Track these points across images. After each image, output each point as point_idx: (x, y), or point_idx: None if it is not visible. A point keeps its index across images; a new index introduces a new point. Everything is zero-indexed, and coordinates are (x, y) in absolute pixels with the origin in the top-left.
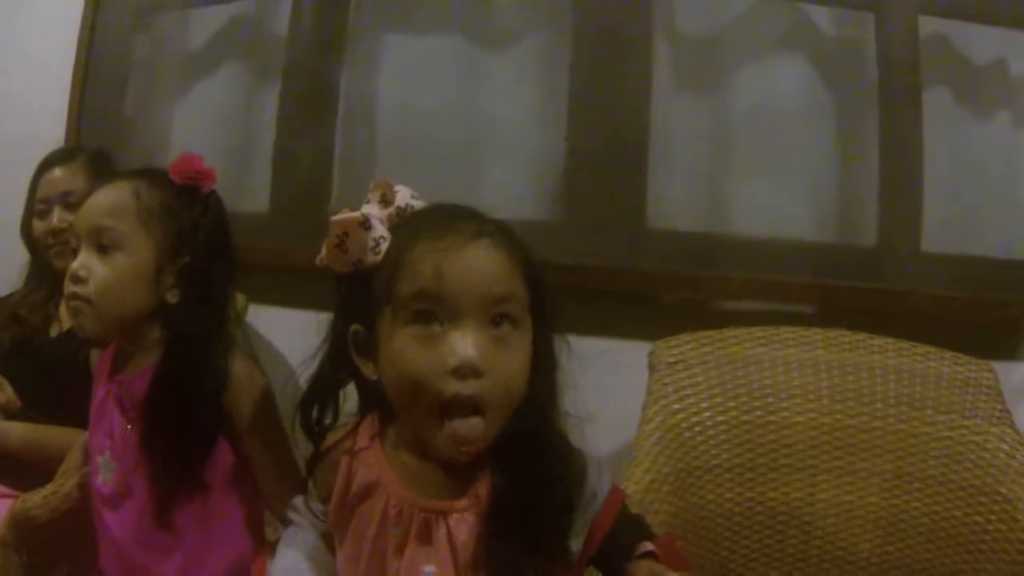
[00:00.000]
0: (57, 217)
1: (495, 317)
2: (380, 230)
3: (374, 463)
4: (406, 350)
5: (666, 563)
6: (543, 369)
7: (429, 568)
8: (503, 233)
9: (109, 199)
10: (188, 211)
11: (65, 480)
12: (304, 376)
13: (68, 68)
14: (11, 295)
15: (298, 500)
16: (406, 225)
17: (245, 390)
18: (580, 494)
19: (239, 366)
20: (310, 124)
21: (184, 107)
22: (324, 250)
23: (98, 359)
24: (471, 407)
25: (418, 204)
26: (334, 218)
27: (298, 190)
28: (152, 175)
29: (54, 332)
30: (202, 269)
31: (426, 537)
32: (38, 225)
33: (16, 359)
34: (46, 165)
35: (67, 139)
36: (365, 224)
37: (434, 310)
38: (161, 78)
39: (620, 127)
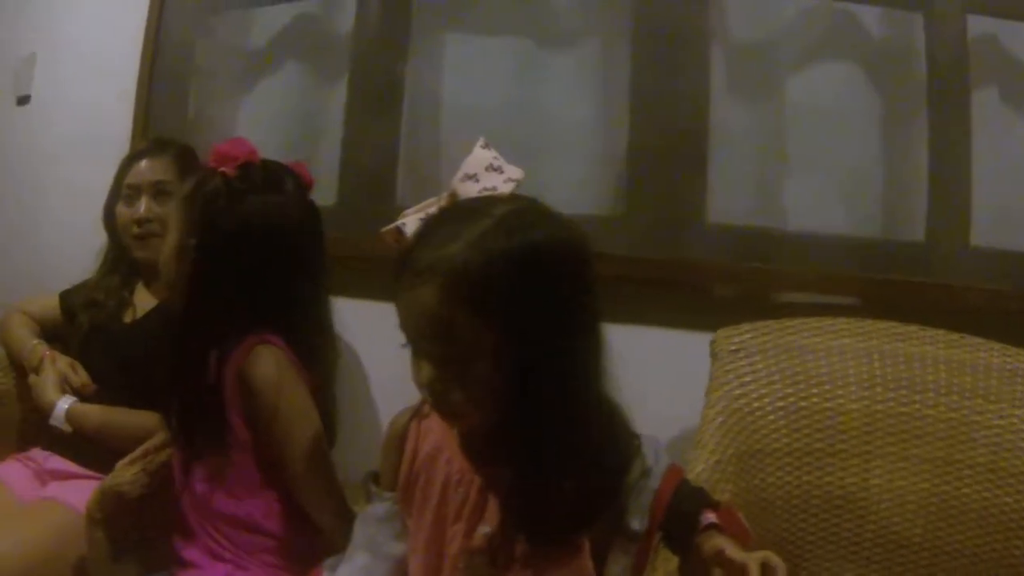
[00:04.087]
0: (144, 206)
1: (441, 357)
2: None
3: (437, 429)
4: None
5: (729, 533)
6: (551, 368)
7: (485, 528)
8: (448, 271)
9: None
10: (219, 198)
11: (154, 457)
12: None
13: (133, 70)
14: (87, 281)
15: (368, 485)
16: (414, 234)
17: (263, 389)
18: (626, 469)
19: (262, 366)
20: (376, 121)
21: (248, 106)
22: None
23: None
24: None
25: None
26: (382, 230)
27: (365, 183)
28: (203, 167)
29: (128, 318)
30: (229, 265)
31: (482, 500)
32: (123, 212)
33: (92, 343)
34: (137, 155)
35: (133, 136)
36: (400, 232)
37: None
38: (224, 77)
39: (680, 126)
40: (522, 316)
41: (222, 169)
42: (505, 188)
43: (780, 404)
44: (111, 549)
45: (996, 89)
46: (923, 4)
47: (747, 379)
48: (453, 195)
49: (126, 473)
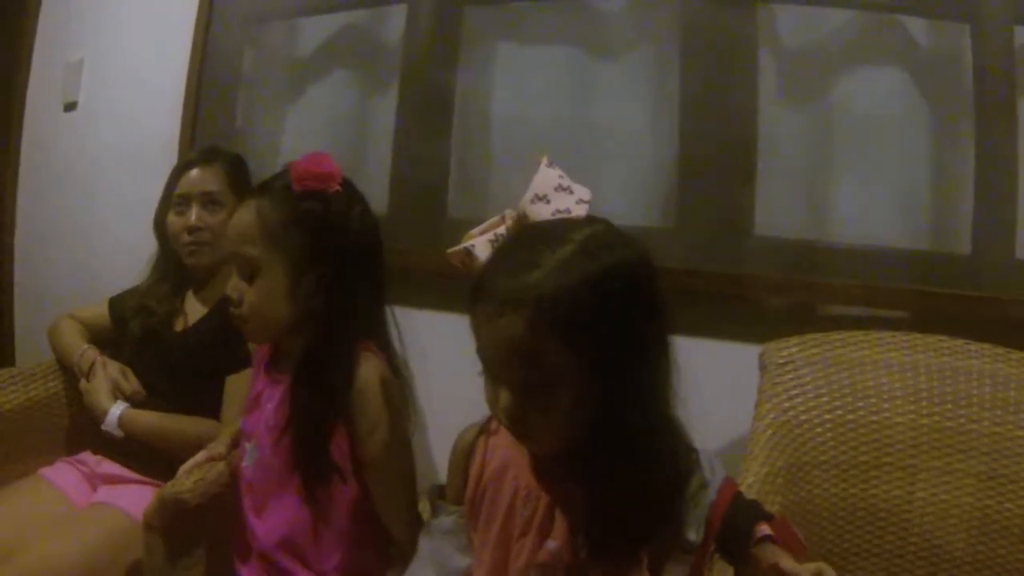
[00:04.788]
0: (195, 215)
1: (524, 385)
2: (485, 255)
3: (504, 446)
4: (484, 381)
5: (784, 545)
6: (626, 398)
7: (552, 543)
8: (536, 300)
9: (239, 226)
10: (314, 219)
11: (214, 465)
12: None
13: (180, 78)
14: (136, 287)
15: (435, 498)
16: (489, 258)
17: (366, 396)
18: (686, 484)
19: (367, 369)
20: (426, 131)
21: (295, 115)
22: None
23: (256, 352)
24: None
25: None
26: (448, 251)
27: (416, 194)
28: (275, 189)
29: (179, 327)
30: (337, 275)
31: (549, 517)
32: (174, 220)
33: (144, 350)
34: (187, 165)
35: (180, 146)
36: (469, 254)
37: (486, 371)
38: (272, 87)
39: (729, 136)
40: (605, 342)
41: (333, 189)
42: (579, 210)
43: (827, 417)
44: (168, 556)
45: None
46: (970, 15)
47: (795, 392)
48: (523, 216)
49: (186, 481)
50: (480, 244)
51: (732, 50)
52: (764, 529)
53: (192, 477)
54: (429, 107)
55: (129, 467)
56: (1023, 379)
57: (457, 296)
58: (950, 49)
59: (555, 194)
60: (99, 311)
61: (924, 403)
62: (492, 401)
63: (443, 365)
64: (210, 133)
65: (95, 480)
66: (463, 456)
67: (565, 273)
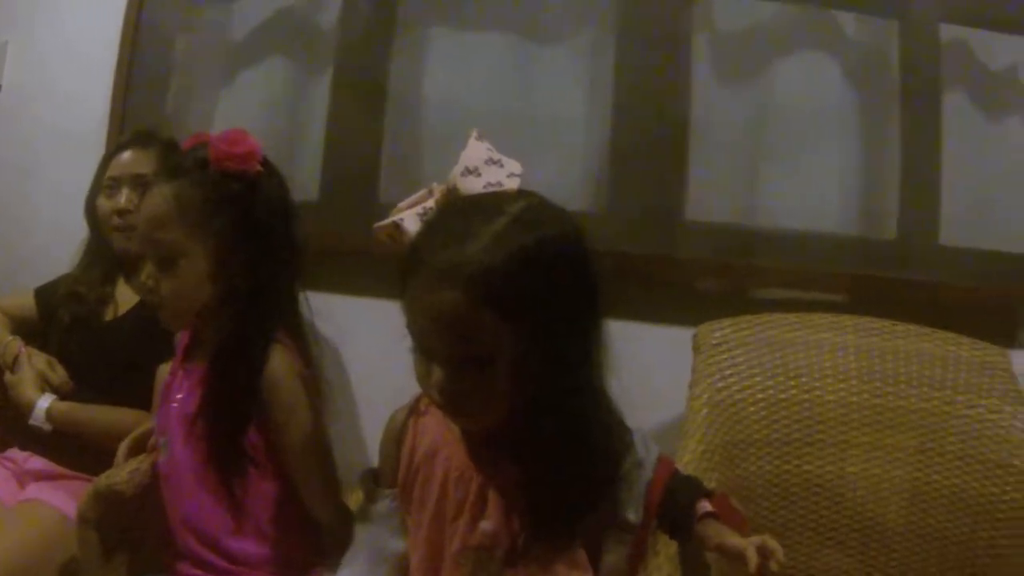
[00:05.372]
0: (125, 198)
1: (460, 359)
2: (414, 229)
3: (435, 426)
4: (415, 358)
5: (726, 521)
6: (559, 372)
7: (486, 525)
8: (473, 273)
9: (154, 211)
10: (235, 200)
11: (146, 456)
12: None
13: (112, 60)
14: (64, 276)
15: (368, 483)
16: (422, 230)
17: (279, 384)
18: (621, 461)
19: (276, 361)
20: (359, 115)
21: (228, 99)
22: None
23: (178, 341)
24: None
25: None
26: (375, 225)
27: (348, 178)
28: (193, 169)
29: (109, 315)
30: (259, 257)
31: (482, 497)
32: (104, 203)
33: (73, 340)
34: (120, 147)
35: (109, 130)
36: (398, 228)
37: (418, 346)
38: (205, 70)
39: (662, 121)
40: (541, 314)
41: (255, 169)
42: (510, 183)
43: (760, 396)
44: (103, 550)
45: (966, 94)
46: (899, 12)
47: (729, 372)
48: (452, 189)
49: (121, 472)
50: (409, 217)
51: (667, 36)
52: (705, 506)
53: (127, 468)
54: (363, 92)
55: (58, 462)
56: (947, 358)
57: (390, 280)
58: (879, 43)
59: (486, 167)
60: (24, 301)
61: (854, 381)
62: (424, 378)
63: (376, 349)
64: (142, 116)
65: (24, 477)
66: (393, 439)
67: (502, 245)
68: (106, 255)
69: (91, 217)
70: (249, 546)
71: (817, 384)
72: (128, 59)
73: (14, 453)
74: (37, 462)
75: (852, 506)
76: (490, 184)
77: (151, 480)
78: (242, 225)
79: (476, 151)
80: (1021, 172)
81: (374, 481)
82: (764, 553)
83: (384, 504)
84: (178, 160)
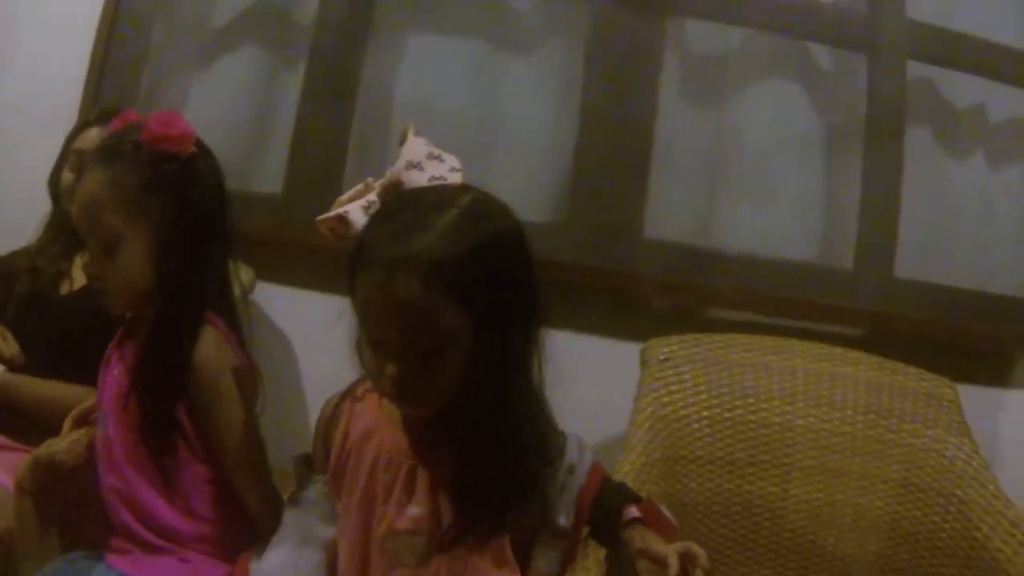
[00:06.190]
0: None
1: (416, 350)
2: (361, 222)
3: (370, 411)
4: (364, 349)
5: (653, 526)
6: (505, 363)
7: (414, 509)
8: (430, 262)
9: (92, 196)
10: (172, 183)
11: (88, 429)
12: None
13: (89, 40)
14: (26, 247)
15: (300, 468)
16: (369, 223)
17: (207, 367)
18: (556, 465)
19: (207, 342)
20: (329, 110)
21: (200, 86)
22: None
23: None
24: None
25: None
26: (319, 218)
27: (312, 173)
28: (128, 152)
29: (64, 290)
30: (194, 239)
31: (411, 482)
32: (67, 176)
33: (28, 312)
34: (86, 124)
35: (82, 109)
36: (343, 221)
37: (371, 340)
38: (180, 55)
39: (626, 138)
40: (492, 303)
41: (189, 151)
42: (453, 177)
43: (705, 414)
44: (40, 522)
45: (930, 130)
46: (868, 46)
47: (674, 388)
48: (396, 183)
49: (62, 441)
50: (354, 210)
51: (637, 54)
52: (632, 511)
53: (68, 438)
54: (334, 88)
55: (4, 434)
56: (894, 386)
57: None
58: (847, 75)
59: (427, 161)
60: None
61: (800, 405)
62: (374, 370)
63: (334, 342)
64: (113, 97)
65: None
66: (327, 422)
67: (456, 236)
68: (66, 229)
69: (54, 190)
70: (180, 523)
71: (764, 405)
72: (105, 39)
73: None
74: None
75: (793, 529)
76: (434, 177)
77: (90, 454)
78: (179, 207)
79: (416, 146)
80: (979, 210)
81: (306, 466)
82: (688, 560)
83: (314, 489)
84: (112, 143)
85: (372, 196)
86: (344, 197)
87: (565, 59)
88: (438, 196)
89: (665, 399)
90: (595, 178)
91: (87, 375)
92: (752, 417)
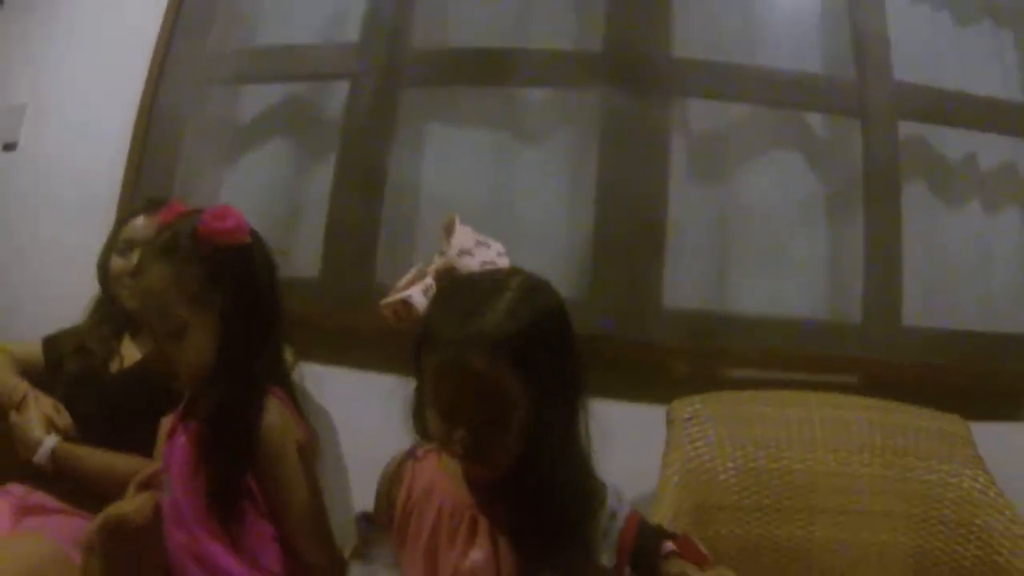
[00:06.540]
0: (137, 259)
1: (483, 418)
2: (422, 305)
3: (430, 470)
4: (430, 416)
5: (688, 557)
6: (556, 424)
7: (477, 553)
8: (496, 341)
9: (155, 289)
10: (231, 272)
11: (153, 493)
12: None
13: (123, 135)
14: (76, 327)
15: (362, 524)
16: (432, 306)
17: (273, 435)
18: (599, 512)
19: (272, 413)
20: (359, 200)
21: (232, 178)
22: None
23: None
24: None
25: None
26: (383, 302)
27: (347, 258)
28: (186, 246)
29: (114, 368)
30: (249, 328)
31: (473, 530)
32: (117, 262)
33: (79, 389)
34: (134, 213)
35: (120, 201)
36: (406, 304)
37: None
38: (212, 149)
39: (640, 216)
40: (547, 374)
41: (244, 240)
42: (501, 261)
43: (730, 465)
44: None
45: (925, 184)
46: (860, 112)
47: (700, 443)
48: (450, 268)
49: (131, 503)
50: (415, 294)
51: (646, 137)
52: (669, 545)
53: (136, 500)
54: (364, 178)
55: (59, 499)
56: (908, 427)
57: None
58: (843, 140)
59: (477, 248)
60: (32, 349)
61: (820, 452)
62: (443, 435)
63: (366, 416)
64: (149, 190)
65: (22, 511)
66: (390, 480)
67: (514, 315)
68: (114, 312)
69: (103, 275)
70: (247, 573)
71: (785, 454)
72: (143, 133)
73: (15, 487)
74: (39, 497)
75: (820, 569)
76: (485, 262)
77: (155, 517)
78: (238, 293)
79: (464, 235)
80: (978, 256)
81: (367, 522)
82: None
83: (378, 541)
84: (169, 238)
85: (429, 280)
86: (402, 283)
87: (578, 145)
88: (492, 279)
89: (692, 454)
90: (613, 255)
91: (136, 448)
92: (775, 465)
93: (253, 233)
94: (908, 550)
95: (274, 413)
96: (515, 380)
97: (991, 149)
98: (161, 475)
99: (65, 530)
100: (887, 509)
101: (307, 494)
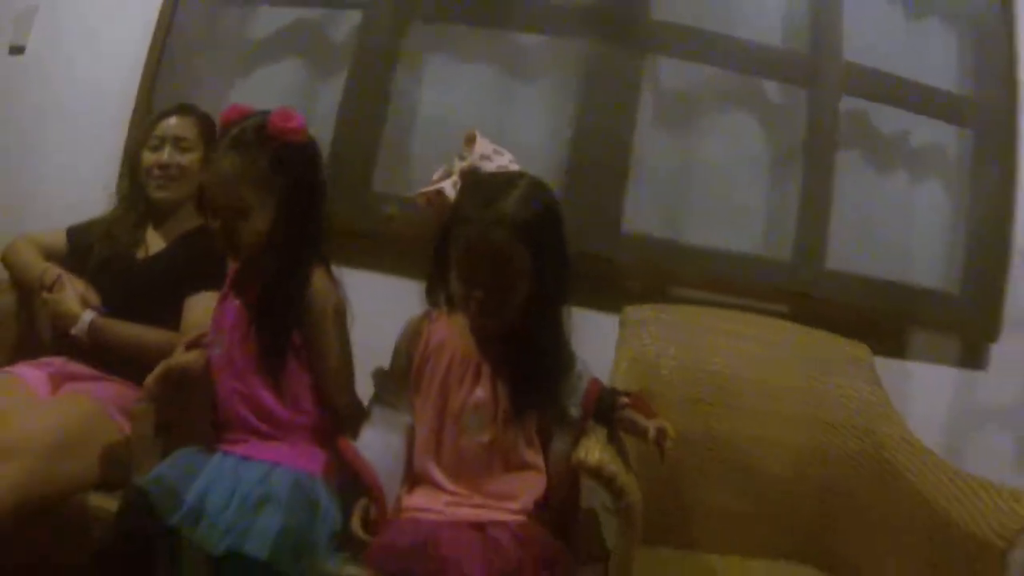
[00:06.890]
0: (168, 154)
1: (499, 281)
2: (451, 194)
3: (443, 328)
4: (453, 281)
5: (639, 411)
6: (549, 296)
7: (479, 392)
8: (514, 220)
9: (227, 174)
10: (293, 164)
11: (203, 351)
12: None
13: (132, 50)
14: (102, 217)
15: (380, 375)
16: (461, 195)
17: (318, 299)
18: (571, 372)
19: (319, 279)
20: (363, 119)
21: (241, 92)
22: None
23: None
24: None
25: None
26: (420, 191)
27: (349, 169)
28: (255, 140)
29: (140, 255)
30: (304, 211)
31: (477, 374)
32: (148, 156)
33: (105, 274)
34: (165, 113)
35: (134, 115)
36: (440, 193)
37: (463, 276)
38: (223, 64)
39: (610, 152)
40: (549, 250)
41: (305, 139)
42: (512, 166)
43: (673, 363)
44: (156, 428)
45: (860, 151)
46: (809, 83)
47: (647, 342)
48: (473, 169)
49: (187, 356)
50: (447, 186)
51: (621, 86)
52: (624, 399)
53: (191, 354)
54: (368, 100)
55: (96, 368)
56: (823, 349)
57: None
58: (792, 107)
59: (494, 155)
60: (56, 237)
61: (748, 362)
62: (463, 296)
63: (365, 312)
64: (162, 103)
65: (60, 379)
66: (410, 336)
67: (526, 204)
68: (142, 201)
69: (133, 168)
70: (289, 416)
71: (719, 361)
72: (160, 43)
73: (51, 359)
74: (75, 366)
75: (744, 459)
76: (500, 166)
77: (204, 369)
78: (297, 182)
79: (484, 144)
80: (900, 218)
81: (383, 374)
82: (661, 433)
83: (394, 388)
84: (239, 132)
85: (455, 177)
86: (435, 177)
87: (562, 87)
88: (507, 177)
89: (640, 350)
90: (583, 184)
91: (159, 323)
92: (709, 368)
93: (307, 132)
94: (814, 446)
95: (319, 280)
96: (524, 253)
97: (923, 130)
98: (205, 336)
99: (104, 392)
100: (798, 413)
101: (340, 348)
